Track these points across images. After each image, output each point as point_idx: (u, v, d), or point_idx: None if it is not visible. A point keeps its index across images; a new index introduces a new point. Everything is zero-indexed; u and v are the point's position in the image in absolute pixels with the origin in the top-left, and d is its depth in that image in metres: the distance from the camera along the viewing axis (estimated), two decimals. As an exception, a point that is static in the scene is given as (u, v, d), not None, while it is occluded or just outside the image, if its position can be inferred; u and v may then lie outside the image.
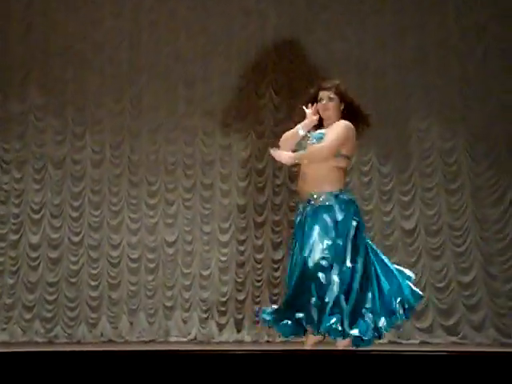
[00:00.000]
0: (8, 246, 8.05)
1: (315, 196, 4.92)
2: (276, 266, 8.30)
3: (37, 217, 8.12)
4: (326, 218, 4.87)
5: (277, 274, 8.29)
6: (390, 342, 8.08)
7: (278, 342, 8.13)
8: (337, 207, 4.89)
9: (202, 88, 8.39)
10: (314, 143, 5.02)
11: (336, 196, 4.92)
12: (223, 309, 8.21)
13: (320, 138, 5.00)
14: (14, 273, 8.03)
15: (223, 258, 8.29)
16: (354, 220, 4.90)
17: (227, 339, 8.12)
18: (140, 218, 8.26)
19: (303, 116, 5.17)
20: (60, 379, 3.81)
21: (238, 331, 8.19)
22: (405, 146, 8.42)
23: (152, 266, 8.19)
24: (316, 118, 5.09)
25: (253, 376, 3.84)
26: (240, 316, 8.21)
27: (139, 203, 8.27)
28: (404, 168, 8.40)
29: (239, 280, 8.26)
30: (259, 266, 8.29)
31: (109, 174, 8.25)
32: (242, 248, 8.33)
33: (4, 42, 8.14)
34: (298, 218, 5.06)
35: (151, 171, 8.31)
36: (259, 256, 8.31)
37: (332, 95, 5.05)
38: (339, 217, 4.87)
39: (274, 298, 8.25)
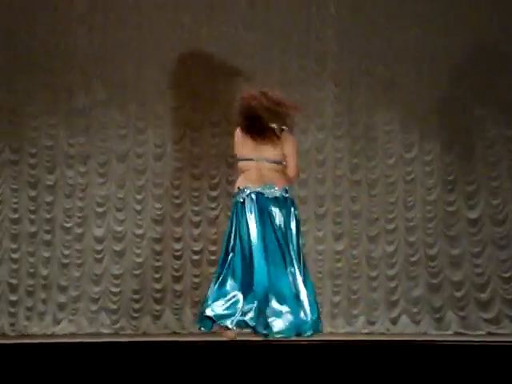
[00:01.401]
0: (73, 239, 8.21)
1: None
2: (338, 257, 8.28)
3: (101, 210, 8.26)
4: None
5: (338, 265, 8.27)
6: (456, 333, 8.00)
7: (340, 332, 8.13)
8: None
9: (261, 81, 8.39)
10: None
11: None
12: (285, 300, 8.22)
13: None
14: (79, 265, 8.20)
15: (284, 250, 8.29)
16: None
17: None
18: (202, 210, 8.33)
19: None
20: (125, 369, 3.88)
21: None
22: (468, 135, 8.29)
23: (214, 257, 8.25)
24: None
25: (314, 366, 3.85)
26: (302, 307, 8.20)
27: (201, 196, 8.34)
28: (468, 157, 8.28)
29: (300, 272, 8.26)
30: (320, 257, 8.28)
31: (170, 168, 8.33)
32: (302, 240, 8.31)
33: (68, 39, 8.28)
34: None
35: (212, 164, 8.36)
36: (320, 247, 8.29)
37: None
38: None
39: (336, 289, 8.24)
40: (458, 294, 8.17)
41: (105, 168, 8.30)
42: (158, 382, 3.90)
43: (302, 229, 8.26)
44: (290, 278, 5.10)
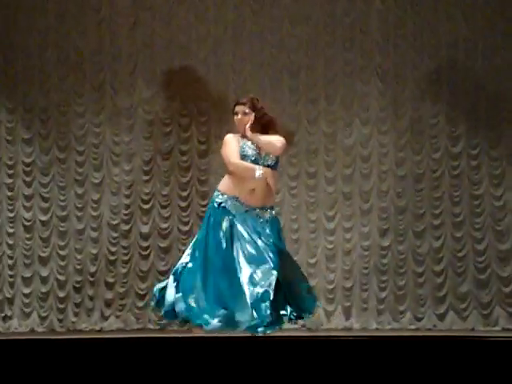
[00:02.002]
0: (120, 235, 8.29)
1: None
2: (383, 252, 8.23)
3: (147, 207, 8.32)
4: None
5: (384, 261, 8.22)
6: (504, 329, 7.91)
7: (387, 329, 8.08)
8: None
9: (306, 76, 8.38)
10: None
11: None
12: (330, 296, 8.21)
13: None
14: (126, 262, 8.27)
15: (329, 246, 8.27)
16: None
17: (336, 326, 8.11)
18: (246, 207, 8.33)
19: None
20: (172, 363, 3.91)
21: (347, 318, 8.17)
22: (516, 129, 8.18)
23: (259, 254, 8.25)
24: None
25: (360, 361, 3.83)
26: (348, 303, 8.18)
27: (245, 192, 8.33)
28: (515, 151, 8.17)
29: (346, 268, 8.24)
30: (366, 253, 8.24)
31: (215, 164, 8.36)
32: (348, 235, 8.29)
33: (112, 37, 8.36)
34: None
35: (257, 161, 8.36)
36: (366, 243, 8.25)
37: (247, 110, 5.15)
38: None
39: (382, 285, 8.19)
40: (507, 290, 8.06)
41: (149, 165, 8.36)
42: (205, 377, 3.92)
43: (348, 224, 8.28)
44: None
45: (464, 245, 8.17)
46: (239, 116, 5.20)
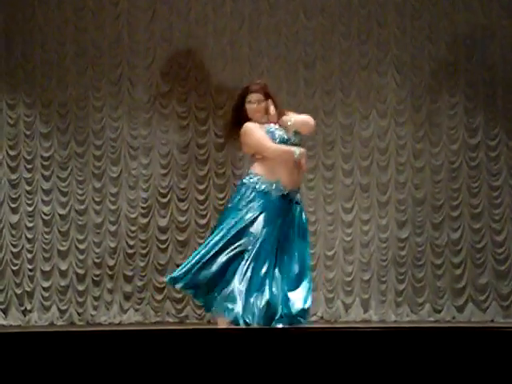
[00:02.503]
0: (138, 229, 8.33)
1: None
2: (402, 244, 8.21)
3: (164, 200, 8.35)
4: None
5: (403, 252, 8.20)
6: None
7: (404, 321, 8.07)
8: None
9: (322, 68, 8.37)
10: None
11: None
12: (349, 288, 8.21)
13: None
14: (144, 255, 8.30)
15: (347, 238, 8.27)
16: None
17: (354, 319, 8.11)
18: (263, 199, 8.34)
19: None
20: (191, 357, 3.92)
21: (365, 311, 8.17)
22: (535, 119, 8.13)
23: (277, 247, 8.26)
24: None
25: (380, 353, 3.83)
26: (366, 296, 8.18)
27: (261, 185, 8.34)
28: (534, 142, 8.12)
29: (364, 260, 8.23)
30: (384, 245, 8.22)
31: (232, 157, 8.37)
32: (365, 228, 8.28)
33: (129, 31, 8.38)
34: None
35: (274, 153, 8.36)
36: (384, 235, 8.23)
37: (261, 97, 5.29)
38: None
39: (400, 277, 8.17)
40: (526, 281, 8.03)
41: (167, 159, 8.38)
42: (222, 369, 3.94)
43: (365, 217, 8.27)
44: None
45: (483, 236, 8.14)
46: (255, 105, 5.18)
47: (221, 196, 8.36)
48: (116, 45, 8.36)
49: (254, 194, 5.20)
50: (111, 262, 8.26)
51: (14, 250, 8.20)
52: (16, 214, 8.23)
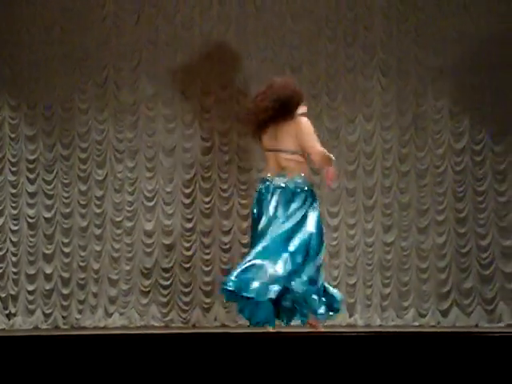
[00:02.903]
0: (123, 232, 8.30)
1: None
2: (387, 248, 8.22)
3: (150, 204, 8.33)
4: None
5: (388, 257, 8.22)
6: (508, 325, 7.90)
7: (390, 325, 8.08)
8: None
9: (308, 72, 8.38)
10: None
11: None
12: (334, 293, 8.20)
13: None
14: (129, 259, 8.28)
15: (333, 242, 8.27)
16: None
17: (339, 323, 8.11)
18: (250, 203, 8.33)
19: None
20: (176, 361, 3.91)
21: (351, 315, 8.17)
22: (520, 124, 8.17)
23: (263, 250, 8.26)
24: None
25: (363, 357, 3.83)
26: (352, 300, 8.18)
27: (249, 189, 8.35)
28: (519, 146, 8.16)
29: (350, 264, 8.24)
30: (370, 249, 8.24)
31: (218, 161, 8.36)
32: (351, 232, 8.29)
33: (115, 33, 8.36)
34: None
35: (259, 157, 8.36)
36: (369, 239, 8.25)
37: None
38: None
39: (386, 281, 8.19)
40: (511, 286, 8.06)
41: (153, 162, 8.36)
42: (208, 374, 3.93)
43: (351, 221, 8.27)
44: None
45: (468, 241, 8.17)
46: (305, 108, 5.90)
47: (207, 200, 8.35)
48: (102, 47, 8.34)
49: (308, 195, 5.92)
50: (96, 266, 8.23)
51: (-1, 253, 8.16)
52: (1, 216, 8.19)
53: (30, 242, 8.22)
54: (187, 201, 8.36)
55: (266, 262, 5.47)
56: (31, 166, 8.28)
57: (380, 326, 8.06)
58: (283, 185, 5.73)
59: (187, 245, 8.31)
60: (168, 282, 8.24)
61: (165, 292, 8.22)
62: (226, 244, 8.30)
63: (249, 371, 3.87)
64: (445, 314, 8.12)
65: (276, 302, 5.56)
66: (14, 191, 8.25)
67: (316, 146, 5.70)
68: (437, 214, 8.22)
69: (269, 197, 5.72)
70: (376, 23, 8.34)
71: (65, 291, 8.20)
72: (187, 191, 8.36)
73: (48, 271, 8.21)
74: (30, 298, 8.16)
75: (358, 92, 8.32)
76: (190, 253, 8.28)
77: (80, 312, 8.18)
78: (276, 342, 4.05)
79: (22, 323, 8.12)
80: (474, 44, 8.23)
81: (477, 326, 8.03)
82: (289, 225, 5.58)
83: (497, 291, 8.05)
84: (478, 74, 8.21)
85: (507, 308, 8.01)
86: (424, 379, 3.83)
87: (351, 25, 8.34)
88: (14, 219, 8.22)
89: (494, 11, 8.23)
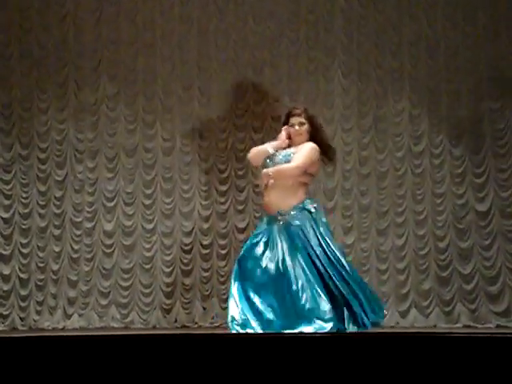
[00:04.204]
0: (83, 233, 8.24)
1: (283, 213, 5.33)
2: (347, 250, 8.25)
3: (110, 205, 8.28)
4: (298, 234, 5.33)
5: (348, 258, 8.24)
6: (466, 326, 7.98)
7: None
8: (305, 221, 5.34)
9: (270, 74, 8.39)
10: (281, 161, 5.40)
11: (302, 208, 5.35)
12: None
13: (288, 156, 5.39)
14: (89, 260, 8.22)
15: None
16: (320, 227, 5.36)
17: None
18: (211, 204, 8.34)
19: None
20: (135, 363, 3.89)
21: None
22: (477, 127, 8.26)
23: (224, 252, 8.26)
24: (287, 142, 5.51)
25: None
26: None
27: (210, 190, 8.34)
28: (477, 149, 8.25)
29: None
30: (330, 250, 8.25)
31: (179, 162, 8.34)
32: (312, 233, 8.30)
33: (75, 32, 8.30)
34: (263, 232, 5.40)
35: (220, 158, 8.36)
36: (329, 241, 8.27)
37: (303, 120, 5.45)
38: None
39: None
40: (468, 287, 8.14)
41: (113, 163, 8.31)
42: (167, 376, 3.91)
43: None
44: None
45: (426, 242, 8.24)
46: (296, 127, 5.45)
47: (168, 200, 8.32)
48: (62, 46, 8.28)
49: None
50: (55, 267, 8.15)
51: (-45, 254, 8.05)
52: (-43, 217, 8.09)
53: (-12, 242, 8.12)
54: (148, 201, 8.32)
55: None
56: (-11, 166, 8.18)
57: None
58: None
59: (148, 246, 8.27)
60: (128, 283, 8.19)
61: (125, 293, 8.17)
62: (186, 245, 8.27)
63: (205, 373, 3.87)
64: (404, 314, 8.18)
65: None
66: (-29, 191, 8.14)
67: None
68: (396, 215, 8.29)
69: None
70: (337, 26, 8.38)
71: (23, 292, 8.11)
72: (148, 192, 8.32)
73: (6, 272, 8.12)
74: (-13, 299, 8.05)
75: (319, 94, 8.35)
76: (150, 253, 8.25)
77: (38, 313, 8.10)
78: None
79: (-21, 325, 8.02)
80: (432, 47, 8.31)
81: (435, 326, 8.11)
82: None
83: (455, 292, 8.13)
84: (435, 77, 8.30)
85: (465, 309, 8.10)
86: (382, 380, 3.85)
87: (312, 27, 8.38)
88: (-28, 219, 8.12)
89: (450, 15, 8.32)
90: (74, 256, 8.19)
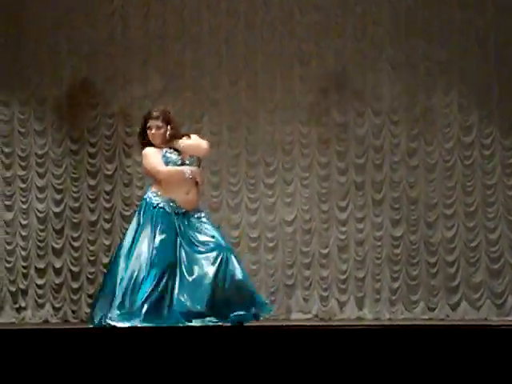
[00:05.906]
0: (133, 226, 8.30)
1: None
2: (396, 242, 8.22)
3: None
4: None
5: (397, 251, 8.21)
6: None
7: (398, 319, 8.08)
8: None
9: (317, 66, 8.36)
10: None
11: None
12: (343, 286, 8.21)
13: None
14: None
15: (342, 236, 8.27)
16: None
17: (348, 316, 8.12)
18: (259, 197, 8.35)
19: None
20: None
21: (359, 309, 8.18)
22: (528, 118, 8.14)
23: (271, 244, 8.27)
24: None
25: (373, 351, 3.84)
26: (361, 294, 8.18)
27: (257, 183, 8.35)
28: (528, 140, 8.13)
29: (358, 258, 8.23)
30: (378, 243, 8.23)
31: (227, 155, 8.36)
32: (360, 226, 8.28)
33: (124, 28, 8.37)
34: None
35: (268, 151, 8.36)
36: (378, 233, 8.24)
37: (160, 123, 5.48)
38: None
39: (394, 275, 8.18)
40: (520, 280, 8.04)
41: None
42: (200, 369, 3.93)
43: (360, 215, 8.27)
44: None
45: (477, 234, 8.15)
46: (153, 130, 5.48)
47: (215, 194, 8.35)
48: (110, 42, 8.37)
49: (151, 208, 5.48)
50: (106, 260, 8.24)
51: (8, 248, 8.19)
52: (11, 211, 8.23)
53: (40, 236, 8.25)
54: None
55: None
56: (40, 161, 8.31)
57: (389, 319, 8.06)
58: None
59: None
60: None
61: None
62: (234, 238, 8.29)
63: (254, 364, 3.88)
64: (454, 307, 8.11)
65: None
66: (23, 186, 8.27)
67: None
68: (445, 207, 8.21)
69: None
70: (384, 18, 8.31)
71: (74, 285, 8.23)
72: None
73: (58, 265, 8.24)
74: (40, 292, 8.19)
75: (367, 86, 8.30)
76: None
77: (89, 306, 8.19)
78: (283, 336, 4.05)
79: (32, 317, 8.16)
80: (482, 37, 8.19)
81: (486, 319, 8.02)
82: None
83: (506, 285, 8.03)
84: (485, 67, 8.18)
85: (517, 302, 7.99)
86: (433, 372, 3.83)
87: (360, 19, 8.32)
88: (24, 213, 8.25)
89: (501, 5, 8.19)
90: (124, 249, 8.26)
